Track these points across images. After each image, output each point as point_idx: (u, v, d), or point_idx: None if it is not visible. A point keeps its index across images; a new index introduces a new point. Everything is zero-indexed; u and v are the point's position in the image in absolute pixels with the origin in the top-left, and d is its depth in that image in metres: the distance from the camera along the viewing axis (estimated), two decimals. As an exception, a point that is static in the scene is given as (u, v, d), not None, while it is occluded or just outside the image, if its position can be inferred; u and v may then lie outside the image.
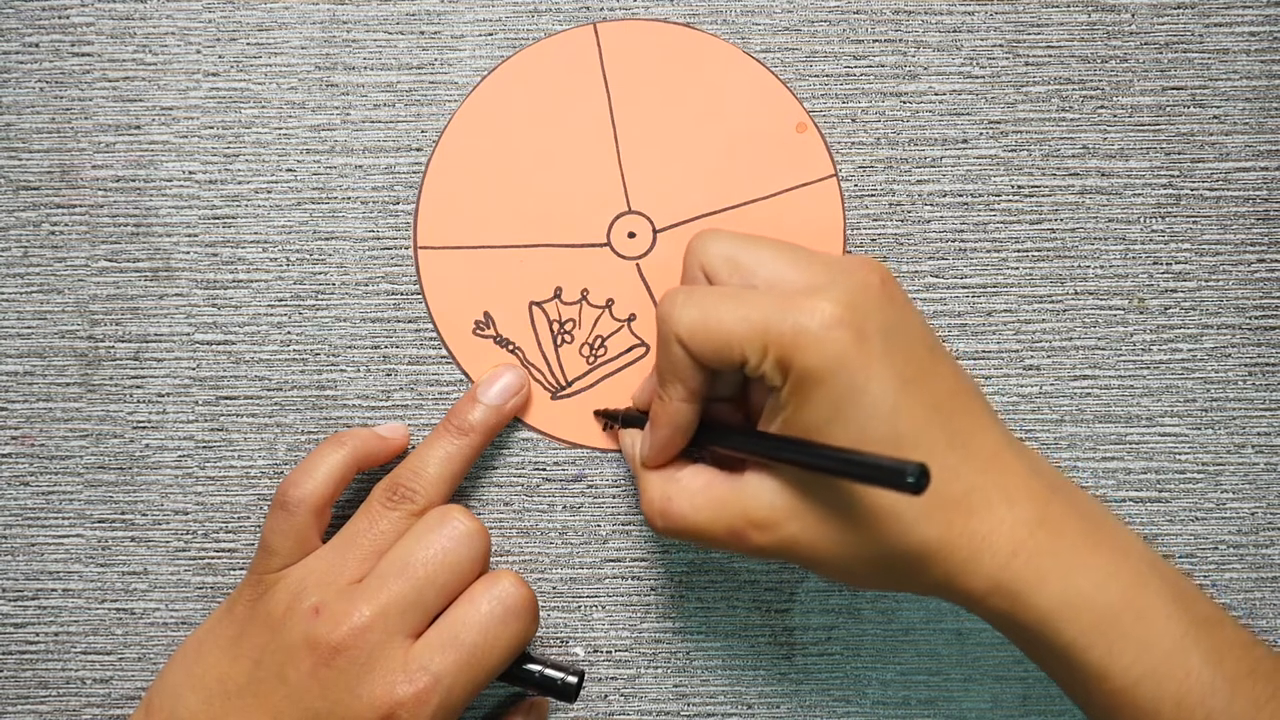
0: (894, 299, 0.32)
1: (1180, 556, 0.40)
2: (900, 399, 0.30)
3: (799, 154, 0.39)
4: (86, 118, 0.39)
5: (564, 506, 0.40)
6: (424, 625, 0.35)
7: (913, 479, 0.26)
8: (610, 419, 0.39)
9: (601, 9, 0.39)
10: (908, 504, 0.31)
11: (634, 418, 0.37)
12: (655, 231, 0.40)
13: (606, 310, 0.40)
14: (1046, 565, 0.31)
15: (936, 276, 0.40)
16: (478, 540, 0.36)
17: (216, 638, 0.36)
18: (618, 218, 0.40)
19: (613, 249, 0.40)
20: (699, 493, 0.33)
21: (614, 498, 0.40)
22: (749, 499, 0.32)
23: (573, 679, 0.37)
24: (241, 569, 0.40)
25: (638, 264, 0.40)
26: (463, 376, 0.40)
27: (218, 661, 0.35)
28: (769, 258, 0.33)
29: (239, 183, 0.40)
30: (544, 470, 0.40)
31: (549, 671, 0.37)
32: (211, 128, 0.40)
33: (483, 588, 0.35)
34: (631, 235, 0.40)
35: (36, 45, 0.39)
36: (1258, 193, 0.40)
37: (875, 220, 0.40)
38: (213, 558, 0.40)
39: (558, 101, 0.39)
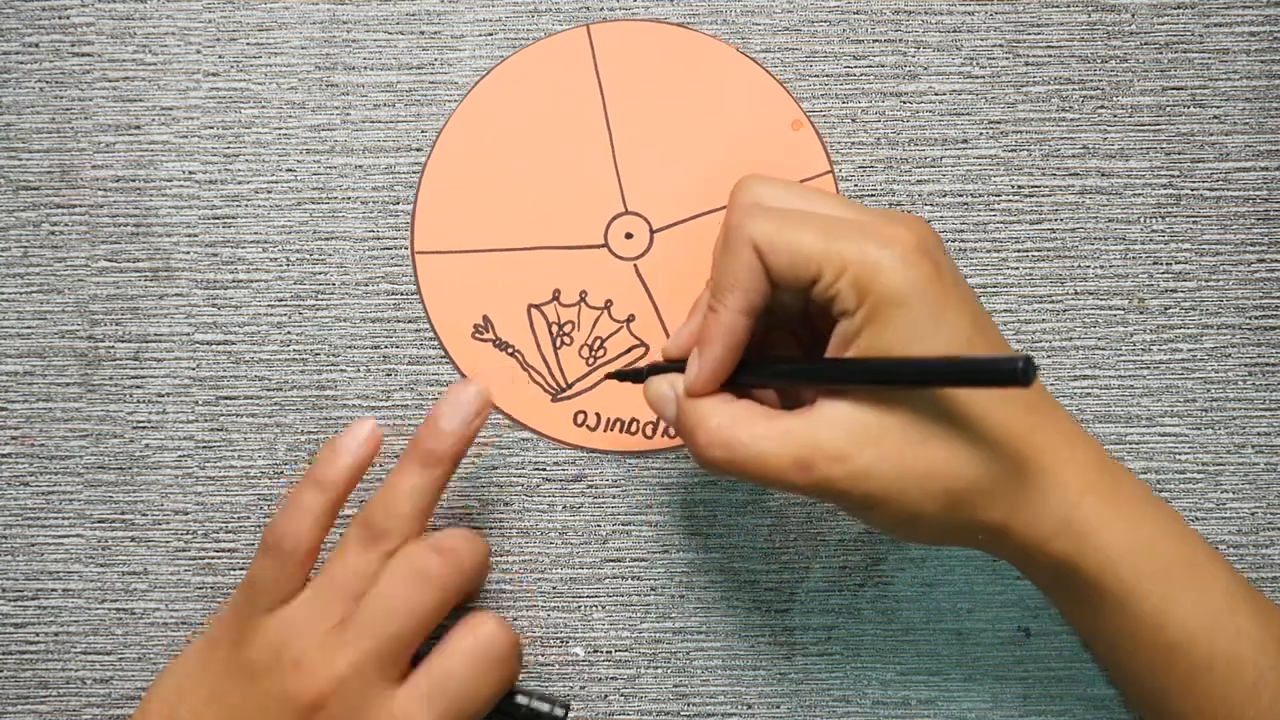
0: (947, 254, 0.32)
1: (1180, 556, 0.40)
2: (974, 333, 0.31)
3: (795, 151, 0.39)
4: (86, 118, 0.39)
5: (564, 506, 0.40)
6: (405, 669, 0.35)
7: (1021, 369, 0.26)
8: (632, 378, 0.36)
9: (601, 9, 0.39)
10: (996, 416, 0.30)
11: (662, 367, 0.35)
12: (652, 232, 0.40)
13: (605, 311, 0.40)
14: (1111, 510, 0.31)
15: (936, 276, 0.40)
16: (456, 577, 0.35)
17: (200, 678, 0.36)
18: (614, 219, 0.40)
19: (610, 250, 0.40)
20: (761, 422, 0.31)
21: (614, 498, 0.40)
22: (823, 428, 0.31)
23: (560, 712, 0.37)
24: (241, 569, 0.40)
25: (635, 264, 0.40)
26: (462, 379, 0.40)
27: (196, 709, 0.35)
28: (824, 205, 0.32)
29: (239, 183, 0.40)
30: (544, 470, 0.40)
31: (536, 704, 0.37)
32: (211, 128, 0.40)
33: (468, 634, 0.35)
34: (629, 236, 0.40)
35: (36, 45, 0.39)
36: (1258, 193, 0.40)
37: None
38: (213, 558, 0.40)
39: (552, 104, 0.39)
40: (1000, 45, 0.40)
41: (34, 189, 0.40)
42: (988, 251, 0.40)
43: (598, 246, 0.40)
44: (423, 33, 0.39)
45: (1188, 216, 0.40)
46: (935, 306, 0.30)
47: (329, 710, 0.34)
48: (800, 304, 0.33)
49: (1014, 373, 0.26)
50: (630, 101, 0.39)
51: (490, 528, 0.40)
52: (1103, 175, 0.40)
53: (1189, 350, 0.40)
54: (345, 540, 0.36)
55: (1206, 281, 0.40)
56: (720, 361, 0.32)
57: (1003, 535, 0.31)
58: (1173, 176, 0.40)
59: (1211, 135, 0.40)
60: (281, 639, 0.35)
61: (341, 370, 0.40)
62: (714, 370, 0.32)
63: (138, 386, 0.40)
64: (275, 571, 0.35)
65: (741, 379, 0.33)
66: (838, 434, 0.30)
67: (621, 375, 0.37)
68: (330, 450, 0.36)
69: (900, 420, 0.30)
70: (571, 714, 0.40)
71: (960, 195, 0.40)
